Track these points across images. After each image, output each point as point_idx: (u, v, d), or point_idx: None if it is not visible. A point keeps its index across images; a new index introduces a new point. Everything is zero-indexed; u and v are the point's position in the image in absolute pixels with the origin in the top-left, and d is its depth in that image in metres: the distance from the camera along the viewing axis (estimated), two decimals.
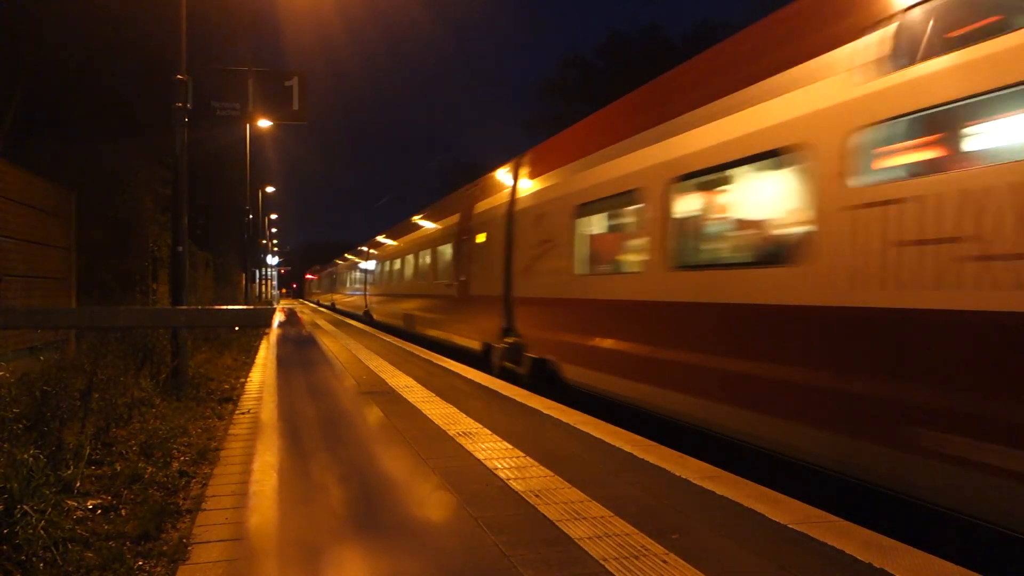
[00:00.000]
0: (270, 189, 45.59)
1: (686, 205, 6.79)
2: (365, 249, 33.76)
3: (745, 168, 6.03)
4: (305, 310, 46.26)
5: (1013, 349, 3.75)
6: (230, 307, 13.72)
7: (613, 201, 8.16)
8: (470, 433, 6.43)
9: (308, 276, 73.05)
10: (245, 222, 29.94)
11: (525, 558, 3.46)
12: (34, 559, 3.30)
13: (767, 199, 5.95)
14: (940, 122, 4.36)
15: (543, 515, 4.11)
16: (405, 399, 8.43)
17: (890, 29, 4.58)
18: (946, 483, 4.07)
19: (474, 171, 30.02)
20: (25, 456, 3.90)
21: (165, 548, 3.63)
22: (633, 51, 45.50)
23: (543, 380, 9.76)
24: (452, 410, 7.64)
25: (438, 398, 8.49)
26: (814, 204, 5.06)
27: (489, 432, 6.47)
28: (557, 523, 3.97)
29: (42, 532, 3.45)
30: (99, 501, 4.27)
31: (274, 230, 69.87)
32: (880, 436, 4.45)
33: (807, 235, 5.13)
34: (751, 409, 5.58)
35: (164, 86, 8.95)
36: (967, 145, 4.39)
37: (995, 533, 3.83)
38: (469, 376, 10.64)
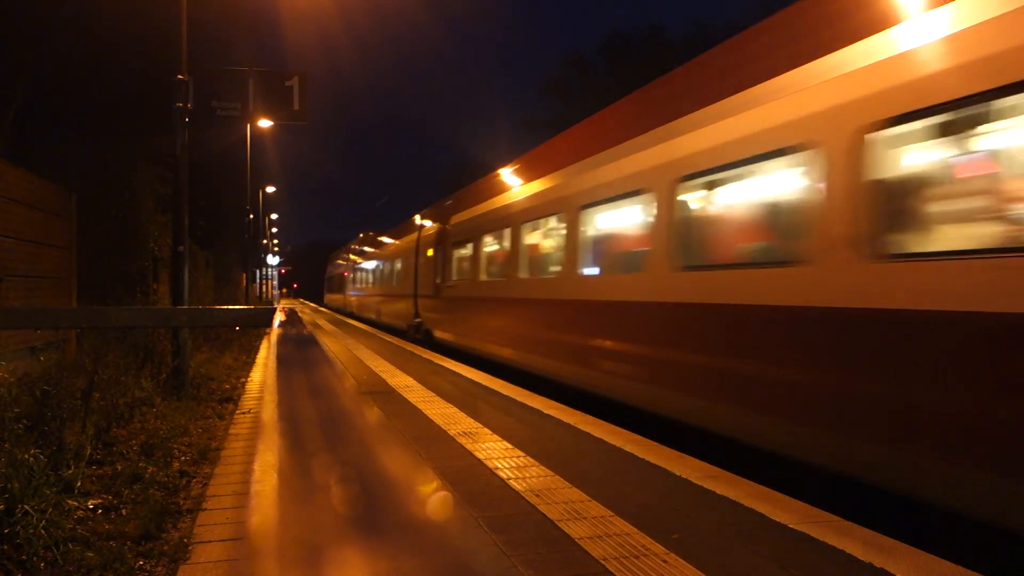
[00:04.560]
0: (270, 189, 45.60)
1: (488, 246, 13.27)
2: (347, 259, 41.53)
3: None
4: (306, 310, 46.21)
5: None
6: (230, 307, 13.72)
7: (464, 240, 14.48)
8: (470, 433, 6.43)
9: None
10: (245, 222, 29.94)
11: (526, 558, 3.47)
12: (35, 559, 3.31)
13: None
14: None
15: (543, 515, 4.11)
16: (405, 399, 8.43)
17: None
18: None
19: (474, 171, 30.17)
20: (26, 456, 3.91)
21: (166, 548, 3.63)
22: (633, 51, 45.52)
23: (429, 341, 16.91)
24: (452, 410, 7.64)
25: (438, 398, 8.49)
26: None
27: (489, 432, 6.47)
28: (557, 523, 3.97)
29: (43, 532, 3.45)
30: (100, 501, 4.28)
31: (274, 230, 69.88)
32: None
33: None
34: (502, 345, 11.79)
35: (165, 86, 8.96)
36: None
37: (995, 533, 3.83)
38: (469, 376, 10.64)
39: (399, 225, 24.89)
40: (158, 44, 11.25)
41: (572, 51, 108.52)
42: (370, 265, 30.79)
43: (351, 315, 35.97)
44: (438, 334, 16.46)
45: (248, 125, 24.33)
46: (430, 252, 17.56)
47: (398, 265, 22.93)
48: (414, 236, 20.04)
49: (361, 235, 36.27)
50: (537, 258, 11.00)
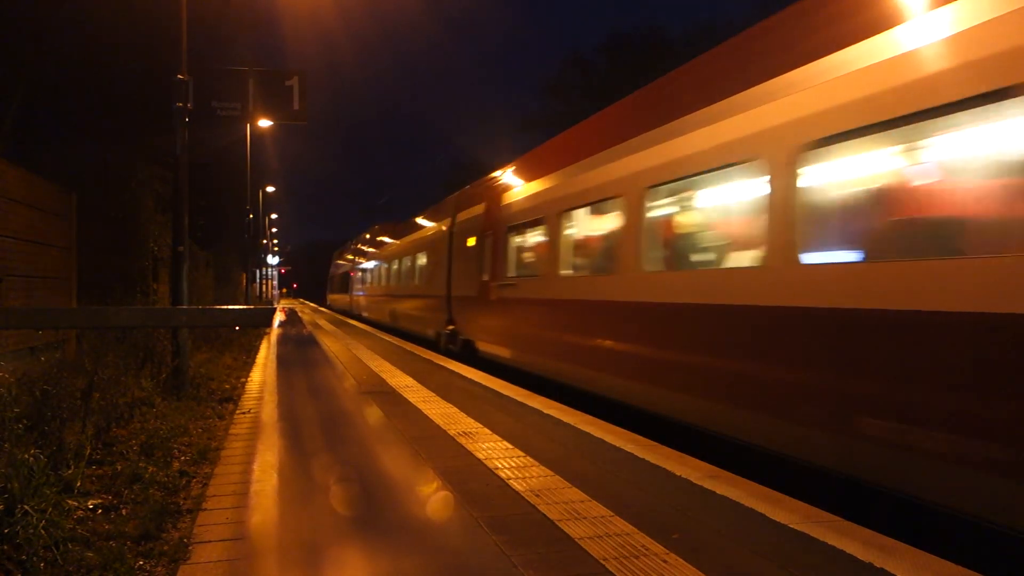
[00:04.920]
0: (270, 189, 45.64)
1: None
2: (355, 255, 36.84)
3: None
4: (306, 310, 46.14)
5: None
6: (230, 307, 13.72)
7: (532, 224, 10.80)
8: (470, 433, 6.43)
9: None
10: (245, 222, 29.94)
11: (525, 558, 3.47)
12: (35, 559, 3.31)
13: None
14: None
15: (543, 515, 4.11)
16: (405, 399, 8.43)
17: None
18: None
19: (474, 170, 30.03)
20: (26, 456, 3.90)
21: (166, 548, 3.63)
22: (633, 51, 45.54)
23: (469, 356, 13.31)
24: (452, 410, 7.64)
25: (438, 398, 8.49)
26: None
27: (489, 432, 6.47)
28: (557, 523, 3.97)
29: (43, 532, 3.45)
30: (100, 501, 4.28)
31: (274, 230, 69.96)
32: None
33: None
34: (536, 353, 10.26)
35: (164, 86, 8.96)
36: None
37: (995, 533, 3.83)
38: (469, 376, 10.64)
39: (423, 212, 20.86)
40: (158, 44, 11.26)
41: (573, 51, 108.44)
42: (384, 261, 26.57)
43: (359, 319, 31.85)
44: (485, 348, 12.67)
45: (248, 125, 24.34)
46: (471, 242, 13.79)
47: (422, 260, 19.18)
48: (445, 223, 16.44)
49: (372, 228, 31.98)
50: (678, 241, 7.35)
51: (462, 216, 14.97)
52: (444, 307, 15.53)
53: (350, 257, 39.37)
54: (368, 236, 32.75)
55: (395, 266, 23.91)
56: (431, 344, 16.50)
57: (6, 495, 3.56)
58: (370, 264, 30.88)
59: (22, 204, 8.33)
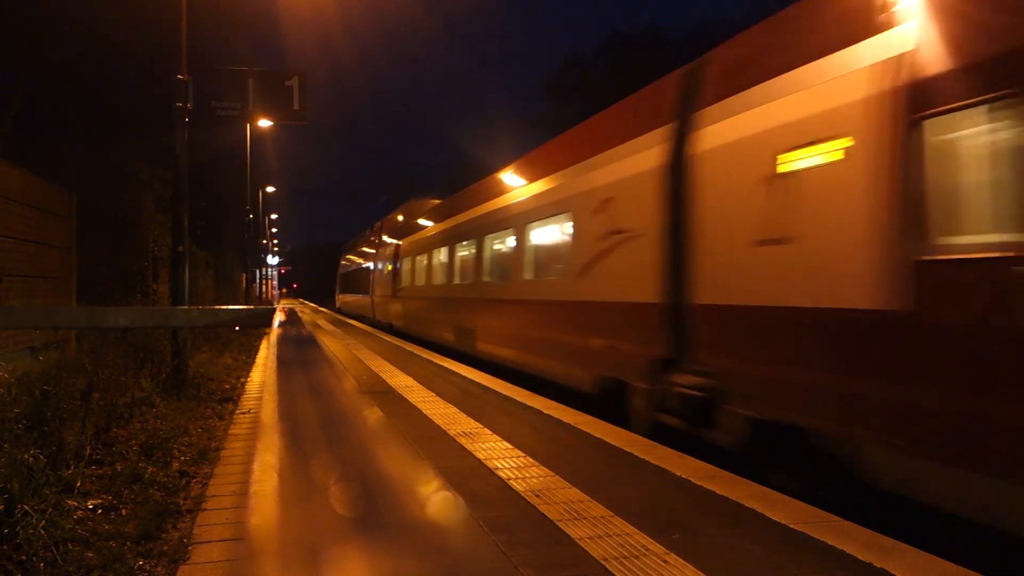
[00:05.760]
0: (270, 189, 45.60)
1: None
2: (385, 242, 26.67)
3: None
4: (306, 310, 46.08)
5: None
6: (230, 307, 13.73)
7: None
8: (470, 433, 6.43)
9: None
10: (246, 222, 29.94)
11: (525, 558, 3.46)
12: (34, 559, 3.31)
13: None
14: None
15: (543, 515, 4.11)
16: (406, 399, 8.43)
17: None
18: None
19: (475, 171, 29.83)
20: (26, 456, 3.90)
21: (166, 548, 3.63)
22: (633, 51, 45.58)
23: (778, 458, 5.43)
24: (452, 410, 7.64)
25: (438, 398, 8.49)
26: None
27: (489, 432, 6.47)
28: (557, 523, 3.97)
29: (42, 532, 3.45)
30: (100, 501, 4.28)
31: (274, 230, 69.96)
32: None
33: None
34: None
35: (164, 86, 8.97)
36: None
37: (995, 533, 3.83)
38: (470, 376, 10.64)
39: (547, 144, 11.68)
40: (158, 44, 11.28)
41: (573, 51, 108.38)
42: (442, 246, 16.94)
43: (389, 330, 22.96)
44: (910, 469, 4.26)
45: (248, 125, 24.34)
46: (834, 151, 4.70)
47: (547, 236, 10.48)
48: (646, 149, 7.26)
49: (412, 202, 23.18)
50: None
51: (731, 103, 5.98)
52: (653, 327, 6.96)
53: (374, 246, 29.01)
54: (406, 214, 23.43)
55: (467, 252, 14.78)
56: (573, 396, 8.68)
57: (6, 495, 3.56)
58: (412, 253, 20.97)
59: (22, 204, 8.32)
